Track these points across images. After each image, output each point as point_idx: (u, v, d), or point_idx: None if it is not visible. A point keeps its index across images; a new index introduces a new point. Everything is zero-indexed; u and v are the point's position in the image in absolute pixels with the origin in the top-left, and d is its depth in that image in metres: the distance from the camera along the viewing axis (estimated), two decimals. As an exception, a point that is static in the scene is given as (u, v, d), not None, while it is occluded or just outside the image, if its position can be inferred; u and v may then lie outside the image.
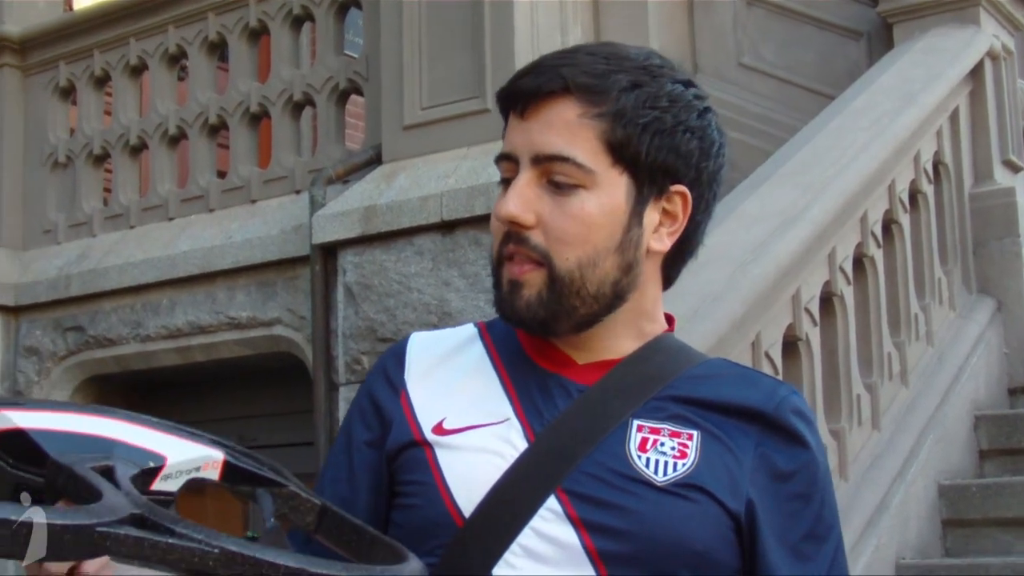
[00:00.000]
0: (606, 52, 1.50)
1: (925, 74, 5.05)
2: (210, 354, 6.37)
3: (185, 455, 1.30)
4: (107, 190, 7.19)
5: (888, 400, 4.47)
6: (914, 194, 4.96)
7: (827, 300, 4.17)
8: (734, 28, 6.45)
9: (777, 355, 3.77)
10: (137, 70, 7.01)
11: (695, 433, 1.46)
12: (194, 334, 6.32)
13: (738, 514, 1.44)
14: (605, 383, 1.50)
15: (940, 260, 5.21)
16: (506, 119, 1.52)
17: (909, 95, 4.81)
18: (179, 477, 1.30)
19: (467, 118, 5.47)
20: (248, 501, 1.36)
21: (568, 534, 1.41)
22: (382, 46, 5.79)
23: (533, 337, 1.54)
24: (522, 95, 1.48)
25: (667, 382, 1.51)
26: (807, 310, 3.96)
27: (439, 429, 1.51)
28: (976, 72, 5.58)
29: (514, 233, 1.47)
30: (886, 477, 4.22)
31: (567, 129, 1.45)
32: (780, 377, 3.78)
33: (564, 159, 1.45)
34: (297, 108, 6.39)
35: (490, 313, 4.71)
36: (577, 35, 5.81)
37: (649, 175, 1.48)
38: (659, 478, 1.43)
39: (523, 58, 5.38)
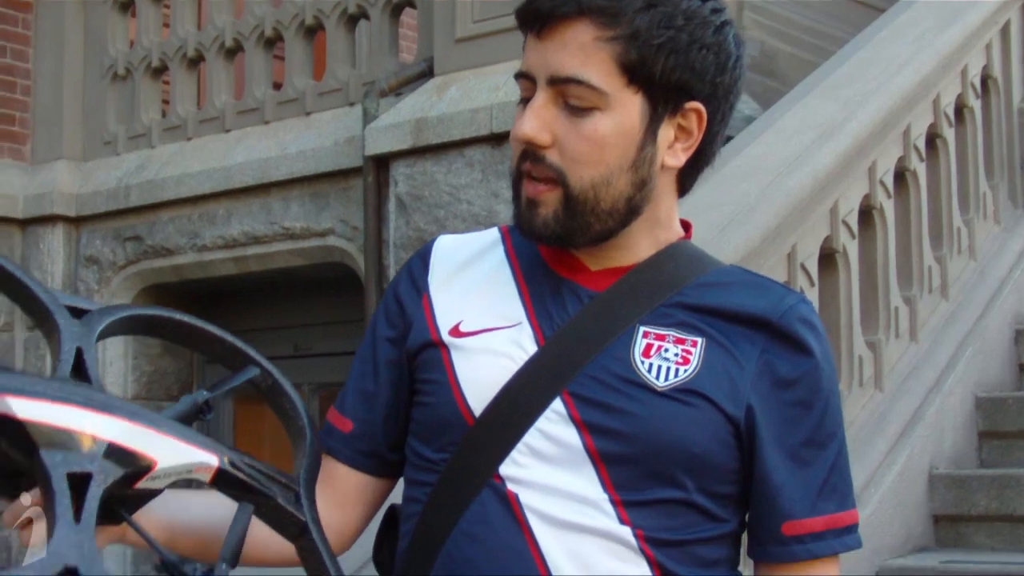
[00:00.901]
0: None
1: (975, -12, 5.02)
2: (265, 264, 6.50)
3: (178, 460, 1.35)
4: (165, 102, 7.30)
5: (927, 313, 4.50)
6: (960, 108, 4.95)
7: (867, 213, 4.20)
8: (787, -59, 6.41)
9: (813, 267, 3.82)
10: (195, -18, 7.10)
11: (700, 340, 1.51)
12: (249, 244, 6.46)
13: (737, 419, 1.49)
14: (615, 290, 1.55)
15: (986, 174, 5.21)
16: (525, 36, 1.55)
17: (955, 10, 4.80)
18: (166, 478, 1.36)
19: (518, 31, 5.50)
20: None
21: (571, 435, 1.48)
22: (434, -41, 5.83)
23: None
24: (538, 16, 1.50)
25: (677, 289, 1.54)
26: (845, 223, 3.99)
27: (455, 331, 1.57)
28: (1030, -14, 5.54)
29: (531, 152, 1.50)
30: (922, 388, 4.27)
31: (581, 51, 1.47)
32: (816, 288, 3.83)
33: (578, 82, 1.46)
34: (351, 21, 6.45)
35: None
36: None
37: (664, 94, 1.50)
38: (660, 383, 1.48)
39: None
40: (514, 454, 1.49)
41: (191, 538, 1.62)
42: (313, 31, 6.62)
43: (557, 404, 1.49)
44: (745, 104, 5.19)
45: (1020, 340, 4.95)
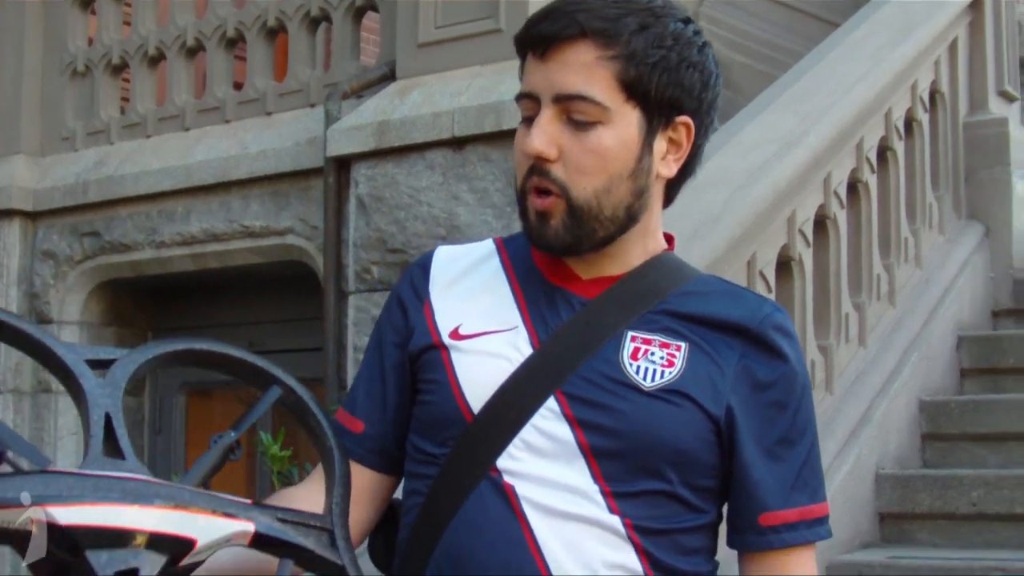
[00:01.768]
0: None
1: (925, 6, 5.20)
2: (223, 261, 6.55)
3: (217, 534, 1.44)
4: (124, 99, 7.33)
5: (875, 319, 4.67)
6: (910, 122, 5.13)
7: (821, 222, 4.36)
8: (743, -46, 6.58)
9: (771, 274, 3.97)
10: (156, -18, 7.15)
11: (683, 345, 1.63)
12: (208, 241, 6.50)
13: (718, 418, 1.61)
14: (605, 297, 1.67)
15: (932, 186, 5.40)
16: (523, 59, 1.67)
17: (908, 26, 4.98)
18: (207, 551, 1.45)
19: (480, 37, 5.62)
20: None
21: (564, 431, 1.60)
22: (398, -36, 5.92)
23: (545, 255, 1.71)
24: (542, 39, 1.62)
25: (662, 297, 1.67)
26: (801, 231, 4.15)
27: (455, 334, 1.69)
28: (976, 3, 5.73)
29: (537, 166, 1.62)
30: (870, 392, 4.44)
31: (585, 70, 1.59)
32: (773, 294, 3.98)
33: (583, 98, 1.59)
34: (314, 23, 6.51)
35: (497, 228, 4.92)
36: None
37: (658, 108, 1.63)
38: (647, 383, 1.60)
39: (534, -21, 5.53)
40: (510, 449, 1.60)
41: None
42: (275, 32, 6.68)
43: (551, 402, 1.61)
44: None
45: (962, 346, 5.14)
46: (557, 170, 1.61)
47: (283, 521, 1.52)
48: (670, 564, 1.60)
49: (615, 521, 1.58)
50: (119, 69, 7.24)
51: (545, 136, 1.61)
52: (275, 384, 1.61)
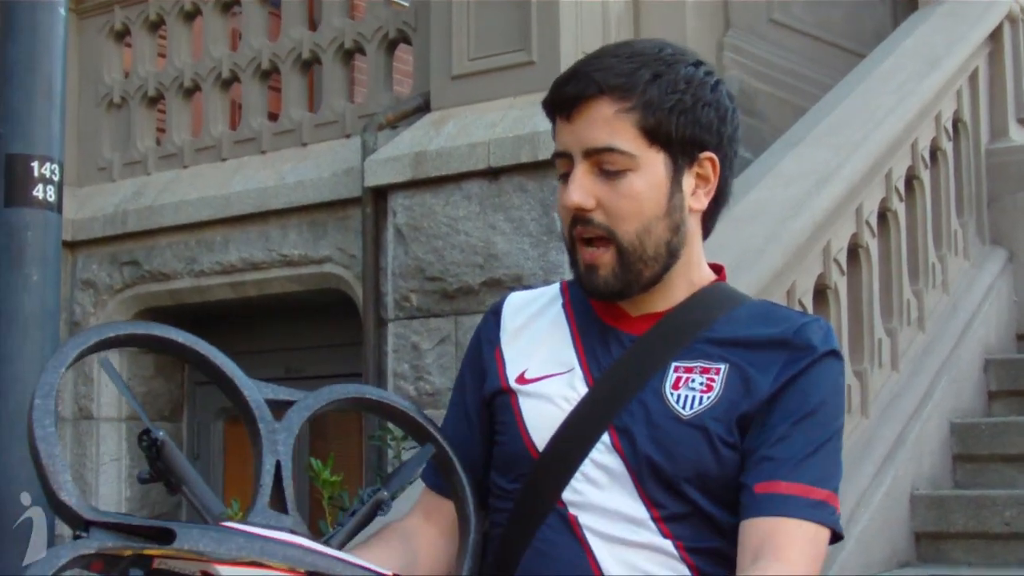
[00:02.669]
0: (628, 52, 1.77)
1: (947, 38, 5.35)
2: (262, 289, 6.71)
3: None
4: (160, 130, 7.50)
5: (906, 344, 4.80)
6: (935, 151, 5.27)
7: (853, 251, 4.50)
8: (765, -15, 6.73)
9: (808, 302, 4.11)
10: (190, 15, 7.31)
11: (722, 367, 1.75)
12: (247, 270, 6.66)
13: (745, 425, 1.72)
14: (652, 333, 1.81)
15: (957, 213, 5.54)
16: (553, 121, 1.83)
17: (933, 59, 5.12)
18: None
19: (513, 69, 5.78)
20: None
21: (616, 463, 1.74)
22: (432, -2, 6.09)
23: None
24: (566, 101, 1.78)
25: (707, 327, 1.80)
26: (836, 261, 4.29)
27: (521, 379, 1.85)
28: (995, 35, 5.89)
29: (579, 217, 1.77)
30: (903, 415, 4.56)
31: (607, 124, 1.74)
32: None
33: (610, 150, 1.74)
34: (347, 55, 6.69)
35: (533, 256, 5.09)
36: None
37: (681, 148, 1.77)
38: (685, 412, 1.73)
39: (567, 11, 5.69)
40: (573, 483, 1.76)
41: None
42: (309, 64, 6.86)
43: (605, 437, 1.76)
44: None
45: (989, 369, 5.27)
46: (599, 217, 1.76)
47: None
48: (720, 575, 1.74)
49: (668, 544, 1.72)
50: (155, 100, 7.42)
51: (581, 189, 1.76)
52: (431, 442, 1.78)
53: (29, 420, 1.46)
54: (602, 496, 1.74)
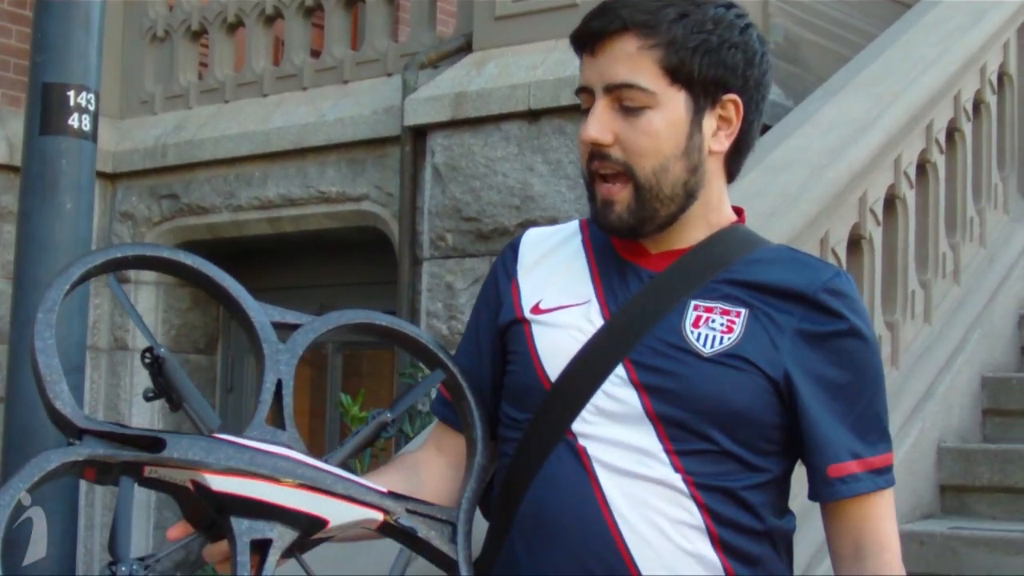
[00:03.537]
0: None
1: (995, -11, 5.29)
2: (299, 225, 6.76)
3: (348, 518, 1.62)
4: (203, 64, 7.52)
5: (940, 296, 4.78)
6: (978, 103, 5.22)
7: (890, 202, 4.47)
8: (812, -68, 6.66)
9: (842, 251, 4.09)
10: (236, -51, 7.31)
11: (743, 311, 1.77)
12: (284, 206, 6.71)
13: (777, 380, 1.74)
14: (671, 270, 1.82)
15: (998, 166, 5.49)
16: (580, 58, 1.84)
17: (979, 10, 5.06)
18: (338, 531, 1.63)
19: (555, 12, 5.76)
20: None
21: (631, 396, 1.75)
22: (477, -62, 6.06)
23: None
24: (590, 36, 1.79)
25: (726, 267, 1.81)
26: (872, 211, 4.27)
27: (536, 309, 1.86)
28: (1045, -13, 5.80)
29: (597, 152, 1.78)
30: (934, 367, 4.55)
31: (630, 60, 1.74)
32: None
33: (630, 86, 1.74)
34: (392, -7, 6.69)
35: (570, 198, 5.08)
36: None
37: (703, 89, 1.78)
38: (706, 350, 1.74)
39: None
40: (584, 414, 1.77)
41: None
42: (353, 1, 6.85)
43: (620, 370, 1.77)
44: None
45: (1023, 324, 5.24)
46: (616, 152, 1.77)
47: (411, 512, 1.70)
48: (731, 518, 1.75)
49: (678, 479, 1.73)
50: (198, 35, 7.44)
51: (600, 124, 1.76)
52: (441, 367, 1.79)
53: (31, 332, 1.49)
54: (613, 428, 1.76)
